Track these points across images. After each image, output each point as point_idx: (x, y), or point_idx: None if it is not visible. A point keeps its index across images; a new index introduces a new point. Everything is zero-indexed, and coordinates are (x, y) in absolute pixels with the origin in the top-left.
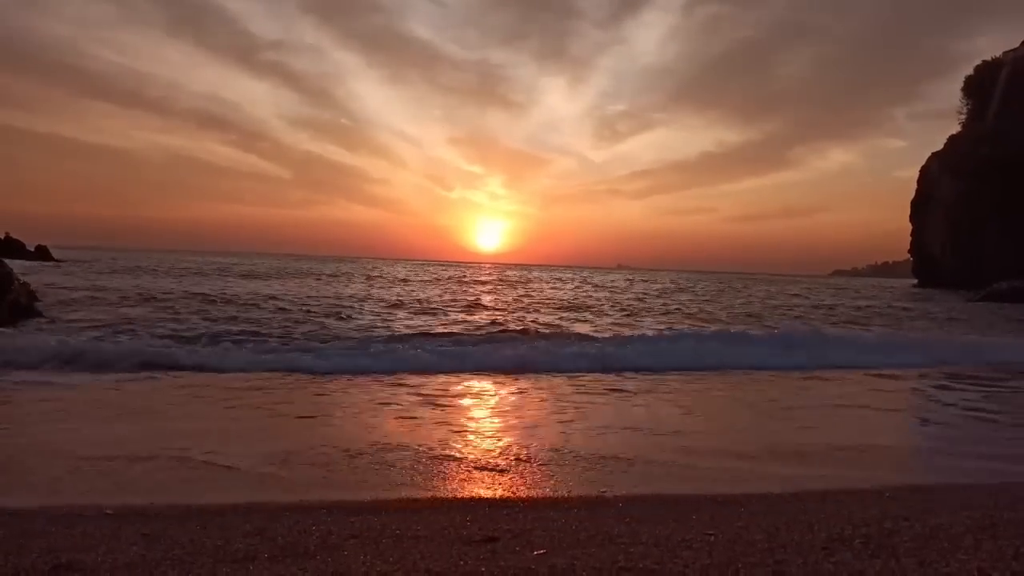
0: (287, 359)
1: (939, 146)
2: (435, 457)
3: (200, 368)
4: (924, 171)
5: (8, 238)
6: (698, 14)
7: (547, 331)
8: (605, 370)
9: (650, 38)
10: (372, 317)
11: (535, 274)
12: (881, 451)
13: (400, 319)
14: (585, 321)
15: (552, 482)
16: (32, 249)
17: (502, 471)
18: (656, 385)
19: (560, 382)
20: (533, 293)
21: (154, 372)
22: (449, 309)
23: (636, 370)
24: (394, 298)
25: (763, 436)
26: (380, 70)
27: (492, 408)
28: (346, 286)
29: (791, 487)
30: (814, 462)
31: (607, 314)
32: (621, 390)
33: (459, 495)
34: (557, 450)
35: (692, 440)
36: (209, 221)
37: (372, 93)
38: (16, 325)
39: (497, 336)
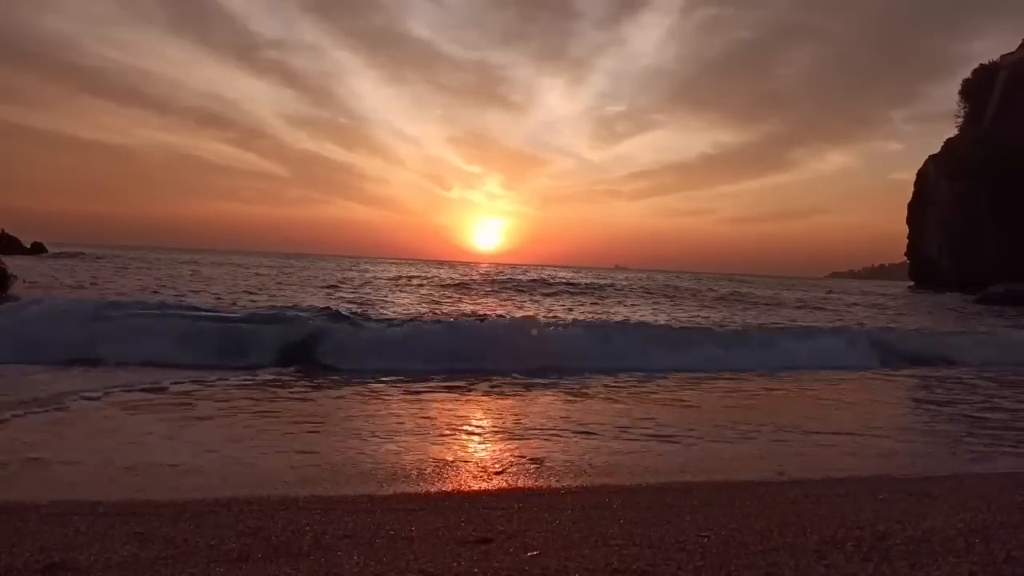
0: None
1: (936, 149)
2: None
3: None
4: (921, 174)
5: (4, 234)
6: (696, 15)
7: None
8: None
9: (649, 39)
10: None
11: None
12: None
13: None
14: None
15: (547, 483)
16: (28, 246)
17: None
18: None
19: None
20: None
21: None
22: None
23: None
24: None
25: None
26: (379, 69)
27: None
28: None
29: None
30: None
31: None
32: None
33: (454, 496)
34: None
35: None
36: (208, 219)
37: (371, 92)
38: None
39: None
